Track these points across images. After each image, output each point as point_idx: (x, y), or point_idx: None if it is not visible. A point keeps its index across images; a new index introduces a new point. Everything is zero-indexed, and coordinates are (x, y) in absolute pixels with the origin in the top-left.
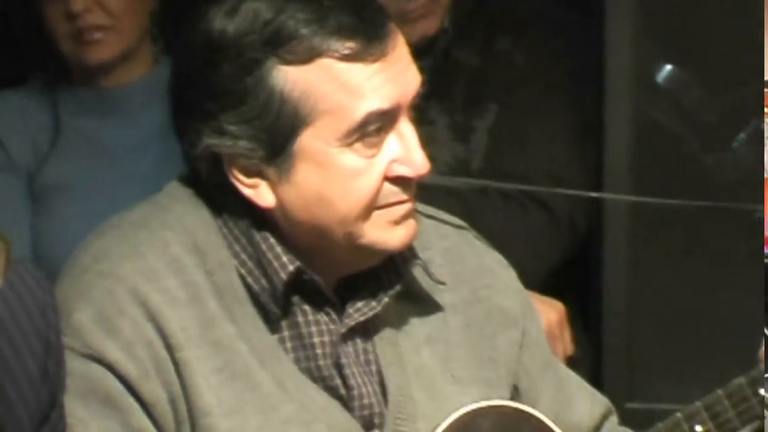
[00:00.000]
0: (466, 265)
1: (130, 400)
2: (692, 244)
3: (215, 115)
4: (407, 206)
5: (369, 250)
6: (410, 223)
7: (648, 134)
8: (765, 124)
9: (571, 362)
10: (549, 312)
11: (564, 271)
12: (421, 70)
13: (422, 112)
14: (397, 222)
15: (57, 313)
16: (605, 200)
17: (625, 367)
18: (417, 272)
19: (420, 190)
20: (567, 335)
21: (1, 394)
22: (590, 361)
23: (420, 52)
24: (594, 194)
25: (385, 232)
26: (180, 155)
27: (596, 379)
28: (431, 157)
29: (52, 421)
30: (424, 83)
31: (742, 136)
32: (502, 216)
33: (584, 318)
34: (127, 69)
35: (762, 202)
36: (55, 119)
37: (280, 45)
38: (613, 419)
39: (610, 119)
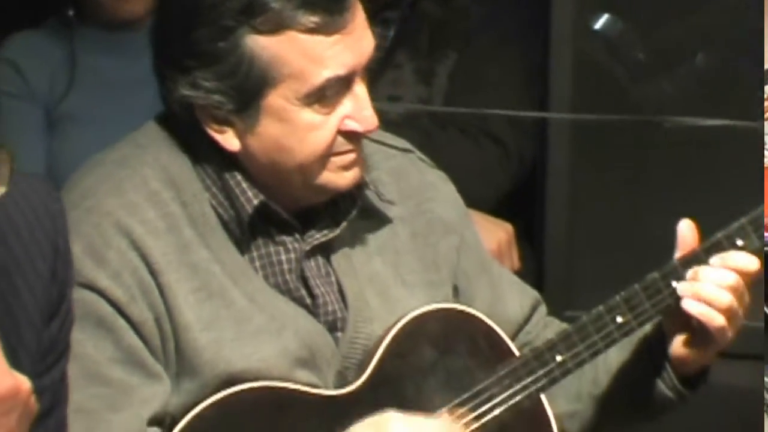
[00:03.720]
0: (410, 182)
1: (121, 322)
2: (626, 168)
3: (191, 71)
4: (355, 155)
5: (321, 189)
6: (357, 169)
7: (587, 74)
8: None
9: (517, 276)
10: (499, 232)
11: (513, 197)
12: (390, 21)
13: (391, 57)
14: (346, 167)
15: (65, 220)
16: (549, 133)
17: (564, 280)
18: (368, 191)
19: (389, 126)
20: (514, 252)
21: (14, 292)
22: (534, 274)
23: (389, 4)
24: (538, 114)
25: (335, 175)
26: None
27: (539, 290)
28: (398, 97)
29: (61, 314)
30: (392, 33)
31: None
32: (460, 149)
33: (529, 237)
34: (137, 21)
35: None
36: (71, 56)
37: (252, 16)
38: (542, 309)
39: (555, 62)
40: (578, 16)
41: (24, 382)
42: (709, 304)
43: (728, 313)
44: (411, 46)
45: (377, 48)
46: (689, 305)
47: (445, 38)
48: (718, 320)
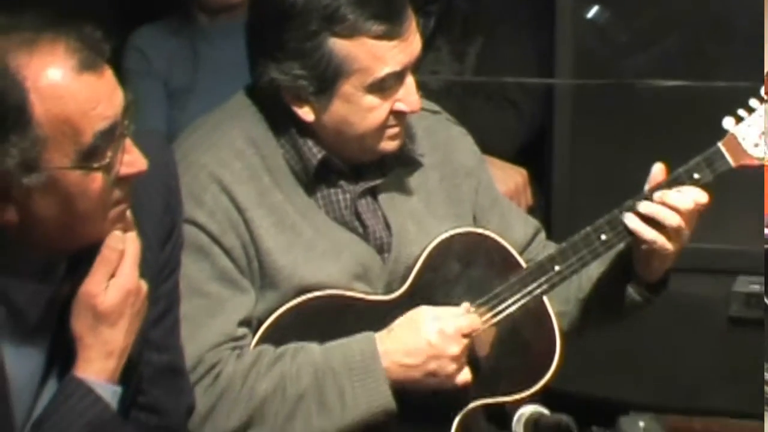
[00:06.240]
0: (439, 137)
1: (215, 249)
2: (617, 124)
3: (281, 61)
4: (400, 128)
5: (372, 152)
6: (400, 139)
7: (584, 52)
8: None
9: (530, 210)
10: (516, 176)
11: (527, 148)
12: (431, 13)
13: (432, 41)
14: (392, 138)
15: (176, 164)
16: (555, 97)
17: (567, 215)
18: (406, 145)
19: (430, 94)
20: (528, 192)
21: (137, 222)
22: (543, 210)
23: (430, 0)
24: (546, 80)
25: (383, 143)
26: None
27: (548, 223)
28: (437, 72)
29: (173, 238)
30: (433, 22)
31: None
32: (486, 112)
33: (540, 180)
34: (236, 10)
35: None
36: (185, 43)
37: (334, 23)
38: (542, 235)
39: (559, 43)
40: (576, 6)
41: (144, 285)
42: (662, 221)
43: (674, 231)
44: (447, 32)
45: (421, 34)
46: (627, 219)
47: (474, 26)
48: (649, 234)
